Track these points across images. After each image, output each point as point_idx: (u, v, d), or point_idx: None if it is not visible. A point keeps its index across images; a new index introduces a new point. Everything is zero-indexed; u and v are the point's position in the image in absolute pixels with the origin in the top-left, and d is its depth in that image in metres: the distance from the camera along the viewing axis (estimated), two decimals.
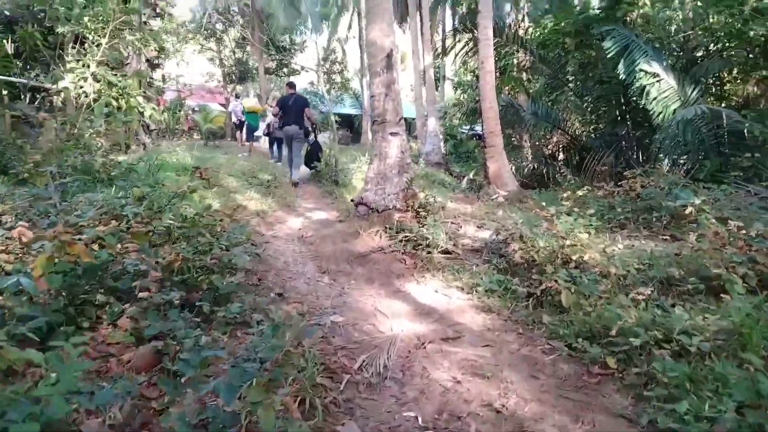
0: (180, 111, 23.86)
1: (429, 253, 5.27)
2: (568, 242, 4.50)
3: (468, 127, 22.67)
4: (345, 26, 32.79)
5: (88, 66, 7.45)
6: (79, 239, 2.36)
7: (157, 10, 24.24)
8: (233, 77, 31.32)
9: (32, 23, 8.52)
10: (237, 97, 19.97)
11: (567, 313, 3.69)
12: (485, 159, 10.30)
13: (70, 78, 7.83)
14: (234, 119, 17.90)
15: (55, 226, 3.18)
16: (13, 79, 8.49)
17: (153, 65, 26.57)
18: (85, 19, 7.30)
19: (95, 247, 2.51)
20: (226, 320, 3.08)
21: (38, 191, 4.11)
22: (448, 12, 27.18)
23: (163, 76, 26.56)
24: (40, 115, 8.15)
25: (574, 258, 4.27)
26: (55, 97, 8.86)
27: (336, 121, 29.37)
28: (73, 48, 8.05)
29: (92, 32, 7.57)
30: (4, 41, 8.63)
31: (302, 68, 33.54)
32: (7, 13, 10.43)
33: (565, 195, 5.86)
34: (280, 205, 8.00)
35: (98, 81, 7.41)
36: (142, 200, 4.03)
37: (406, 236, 5.43)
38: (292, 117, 9.61)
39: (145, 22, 12.27)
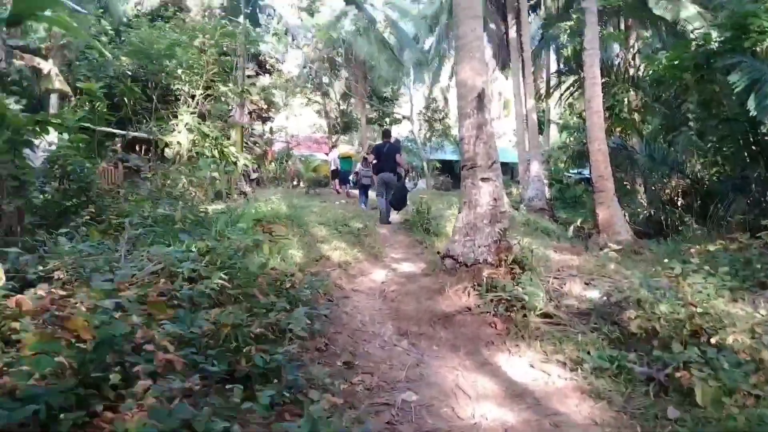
0: (286, 161, 24.94)
1: (524, 316, 4.54)
2: (698, 310, 3.62)
3: (576, 171, 21.36)
4: (447, 75, 32.90)
5: (182, 118, 7.75)
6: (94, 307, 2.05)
7: (267, 67, 26.13)
8: (337, 128, 32.51)
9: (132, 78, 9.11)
10: (333, 147, 20.60)
11: (703, 409, 2.84)
12: (594, 205, 9.32)
13: (178, 130, 8.16)
14: (333, 167, 18.45)
15: (113, 282, 2.98)
16: (116, 130, 9.08)
17: (263, 118, 28.40)
18: (179, 71, 7.66)
19: (116, 315, 2.18)
20: (271, 400, 2.62)
21: (105, 245, 4.03)
22: (552, 57, 26.37)
23: (271, 128, 28.18)
24: (149, 166, 8.59)
25: (706, 329, 3.39)
26: (167, 149, 9.31)
27: (436, 167, 29.52)
28: (176, 100, 8.44)
29: (186, 83, 7.94)
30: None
31: (403, 117, 34.13)
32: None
33: (692, 249, 4.91)
34: (366, 254, 7.62)
35: (191, 132, 7.66)
36: (207, 254, 3.80)
37: (498, 295, 4.74)
38: (386, 163, 10.06)
39: (249, 76, 12.88)
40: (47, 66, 12.20)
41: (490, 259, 5.23)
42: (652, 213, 11.76)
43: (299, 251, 6.84)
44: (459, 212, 5.77)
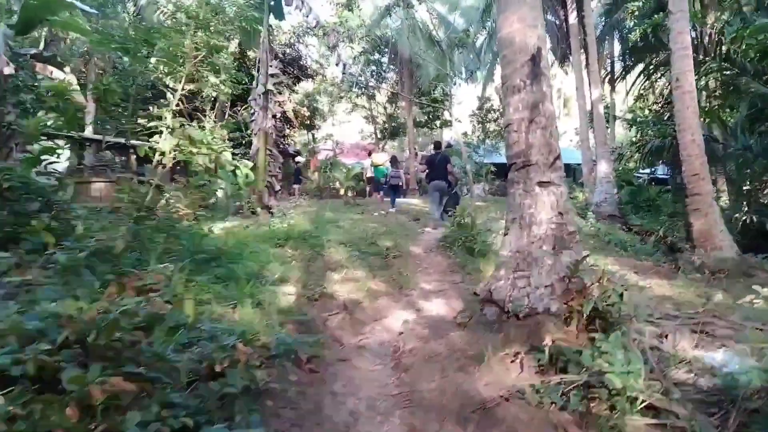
0: (330, 170, 23.55)
1: (614, 410, 2.70)
2: None
3: (648, 171, 18.74)
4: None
5: (164, 119, 6.30)
6: None
7: (308, 71, 24.91)
8: (385, 133, 30.95)
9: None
10: (369, 154, 19.36)
11: None
12: (687, 212, 7.16)
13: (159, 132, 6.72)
14: (369, 174, 17.25)
15: None
16: (90, 135, 7.77)
17: (307, 126, 27.24)
18: (153, 60, 6.24)
19: None
20: None
21: None
22: (617, 46, 23.84)
23: (313, 135, 26.97)
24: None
25: None
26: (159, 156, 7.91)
27: (491, 171, 27.22)
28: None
29: (165, 75, 6.49)
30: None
31: (456, 119, 32.06)
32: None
33: None
34: (388, 285, 5.88)
35: (176, 136, 6.19)
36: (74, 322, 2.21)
37: (567, 377, 2.90)
38: (438, 172, 10.61)
39: (272, 75, 11.43)
40: (61, 75, 11.24)
41: (554, 307, 3.37)
42: (753, 220, 9.28)
43: (294, 287, 5.20)
44: (505, 234, 3.92)
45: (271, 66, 11.79)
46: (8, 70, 7.05)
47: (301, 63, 23.69)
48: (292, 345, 3.41)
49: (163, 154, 6.11)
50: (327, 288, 5.31)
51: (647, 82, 13.81)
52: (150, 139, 6.88)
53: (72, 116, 6.11)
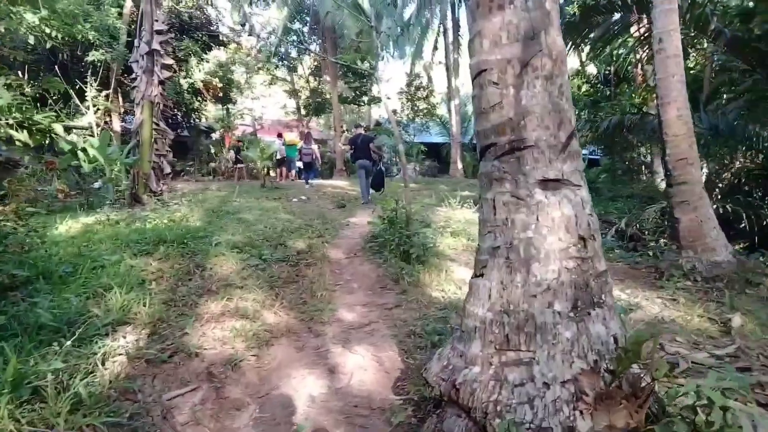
0: (246, 148, 21.11)
1: None
2: None
3: (585, 151, 17.87)
4: (430, 48, 28.90)
5: None
6: None
7: (221, 38, 22.13)
8: (309, 109, 28.61)
9: None
10: (279, 135, 19.17)
11: None
12: (672, 205, 5.80)
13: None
14: (278, 156, 17.25)
15: None
16: None
17: (221, 99, 24.45)
18: None
19: None
20: None
21: None
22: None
23: (228, 109, 24.28)
24: None
25: None
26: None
27: (422, 151, 25.72)
28: None
29: None
30: None
31: (386, 96, 30.15)
32: None
33: None
34: (294, 314, 4.09)
35: None
36: None
37: None
38: (362, 152, 11.21)
39: (159, 31, 9.13)
40: None
41: (584, 428, 1.71)
42: (723, 210, 8.18)
43: (135, 335, 3.27)
44: (477, 273, 2.19)
45: (156, 21, 9.46)
46: None
47: (211, 29, 20.91)
48: None
49: None
50: (190, 333, 3.43)
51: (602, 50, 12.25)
52: None
53: None
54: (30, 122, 4.35)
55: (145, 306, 3.71)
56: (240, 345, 3.39)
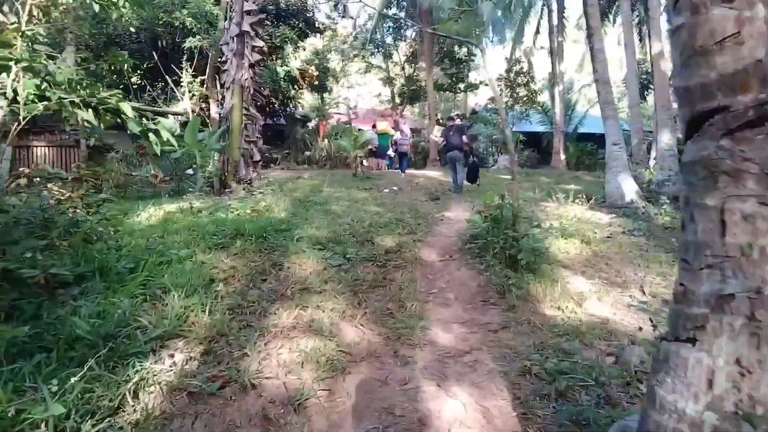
0: (339, 137, 20.87)
1: None
2: None
3: None
4: (531, 32, 27.15)
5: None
6: None
7: (317, 26, 21.94)
8: (403, 97, 27.92)
9: None
10: (374, 126, 18.94)
11: None
12: None
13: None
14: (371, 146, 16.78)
15: None
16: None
17: (317, 88, 24.40)
18: None
19: None
20: None
21: None
22: None
23: (323, 98, 24.17)
24: None
25: None
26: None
27: (520, 141, 24.20)
28: None
29: None
30: None
31: (488, 80, 28.67)
32: None
33: None
34: (379, 331, 3.38)
35: (29, 70, 3.71)
36: None
37: None
38: (454, 142, 11.13)
39: (248, 12, 8.79)
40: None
41: None
42: None
43: (186, 353, 2.70)
44: (676, 335, 1.29)
45: (247, 1, 9.13)
46: None
47: (307, 15, 20.73)
48: None
49: (15, 101, 3.63)
50: (250, 355, 2.80)
51: None
52: None
53: None
54: (97, 101, 3.94)
55: (205, 314, 3.16)
56: (309, 374, 2.71)
